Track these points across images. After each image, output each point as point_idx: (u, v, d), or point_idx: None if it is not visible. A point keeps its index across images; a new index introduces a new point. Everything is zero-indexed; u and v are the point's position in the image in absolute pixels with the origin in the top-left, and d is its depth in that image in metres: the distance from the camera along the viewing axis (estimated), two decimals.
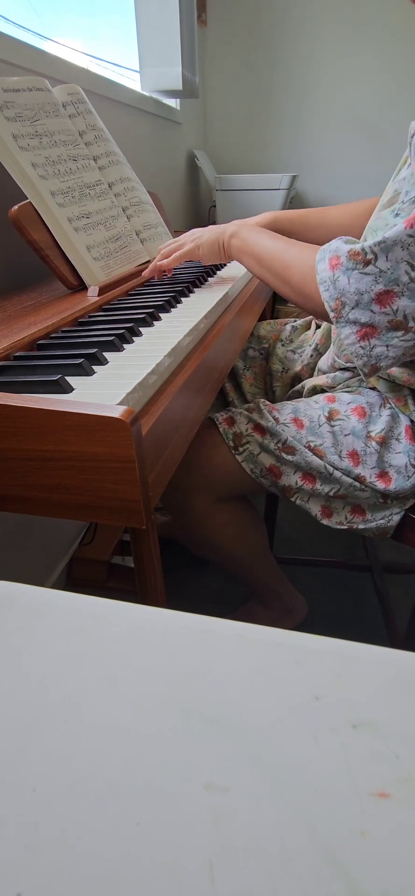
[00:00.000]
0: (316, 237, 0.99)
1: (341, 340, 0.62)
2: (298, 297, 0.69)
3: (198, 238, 0.80)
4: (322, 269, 0.62)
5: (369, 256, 0.57)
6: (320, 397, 0.80)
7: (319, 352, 0.94)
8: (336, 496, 0.76)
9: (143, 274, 0.86)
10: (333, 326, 0.88)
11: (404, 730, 0.19)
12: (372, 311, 0.58)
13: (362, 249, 0.57)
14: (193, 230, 0.84)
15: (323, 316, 0.64)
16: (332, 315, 0.61)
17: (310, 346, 0.98)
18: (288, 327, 1.04)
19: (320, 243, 1.00)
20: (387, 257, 0.56)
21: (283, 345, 1.01)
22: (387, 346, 0.60)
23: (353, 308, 0.59)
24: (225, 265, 1.04)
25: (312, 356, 0.95)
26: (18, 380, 0.46)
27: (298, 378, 0.97)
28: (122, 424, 0.37)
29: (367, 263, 0.57)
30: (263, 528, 0.95)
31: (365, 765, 0.18)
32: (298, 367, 0.98)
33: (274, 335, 1.04)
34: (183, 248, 0.81)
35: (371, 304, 0.58)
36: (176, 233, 1.28)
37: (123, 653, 0.22)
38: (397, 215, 0.59)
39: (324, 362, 0.89)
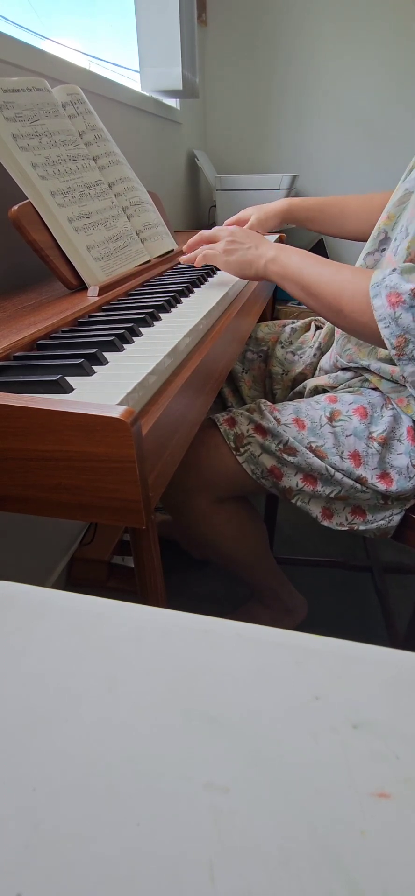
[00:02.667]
0: (332, 227, 1.02)
1: (405, 376, 0.62)
2: (353, 325, 0.67)
3: (232, 251, 0.76)
4: (380, 305, 0.61)
5: None
6: (322, 398, 0.80)
7: (322, 350, 0.94)
8: (337, 497, 0.76)
9: (180, 260, 0.85)
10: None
11: (404, 730, 0.19)
12: None
13: None
14: (234, 230, 0.80)
15: (380, 344, 0.64)
16: (393, 352, 0.61)
17: (310, 347, 0.98)
18: (287, 329, 1.04)
19: (336, 233, 1.00)
20: None
21: (282, 346, 1.01)
22: None
23: None
24: None
25: (315, 355, 0.95)
26: (18, 380, 0.46)
27: (298, 380, 0.97)
28: (122, 424, 0.37)
29: None
30: (264, 528, 0.95)
31: (365, 765, 0.18)
32: (298, 369, 0.98)
33: (273, 337, 1.03)
34: (214, 250, 0.77)
35: None
36: (176, 233, 1.28)
37: (123, 653, 0.22)
38: None
39: (326, 361, 0.89)
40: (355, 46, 1.99)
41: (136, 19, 1.51)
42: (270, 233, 1.14)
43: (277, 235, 1.24)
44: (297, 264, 0.71)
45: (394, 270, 0.61)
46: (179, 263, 0.90)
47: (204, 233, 0.83)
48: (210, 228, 0.90)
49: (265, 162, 2.22)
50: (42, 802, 0.17)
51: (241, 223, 1.07)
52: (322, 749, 0.18)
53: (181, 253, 1.06)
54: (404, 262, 0.68)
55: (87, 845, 0.16)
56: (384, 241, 0.78)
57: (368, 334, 0.65)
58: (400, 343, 0.59)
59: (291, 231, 1.34)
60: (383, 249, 0.78)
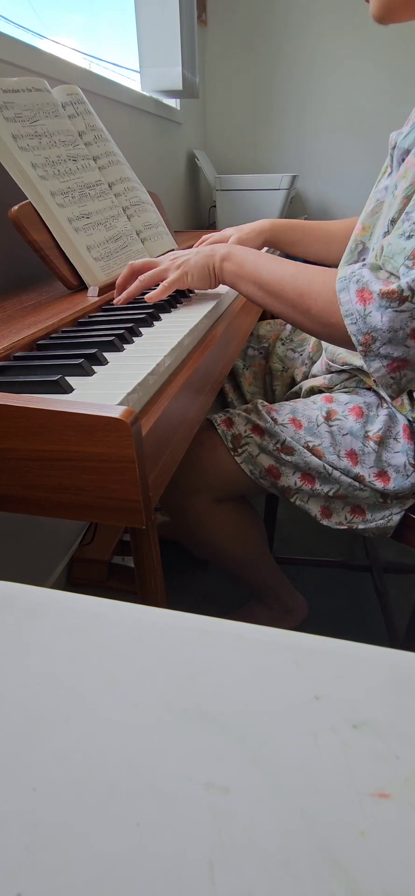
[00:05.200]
0: (317, 250, 0.97)
1: (370, 372, 0.60)
2: (319, 327, 0.63)
3: (185, 263, 0.71)
4: (347, 300, 0.58)
5: (407, 294, 0.54)
6: (318, 398, 0.80)
7: (312, 359, 0.95)
8: (336, 496, 0.76)
9: (113, 302, 0.74)
10: None
11: (404, 730, 0.19)
12: (406, 346, 0.57)
13: (399, 288, 0.55)
14: (172, 253, 0.74)
15: (347, 345, 0.61)
16: (360, 348, 0.59)
17: (309, 345, 0.98)
18: (288, 326, 1.04)
19: (321, 258, 0.96)
20: None
21: (283, 344, 1.01)
22: None
23: (384, 343, 0.57)
24: None
25: (306, 364, 0.95)
26: (18, 380, 0.46)
27: (298, 377, 0.98)
28: (122, 425, 0.37)
29: (403, 301, 0.55)
30: (263, 527, 0.95)
31: (365, 765, 0.18)
32: (299, 366, 0.98)
33: (274, 334, 1.04)
34: (168, 275, 0.70)
35: (406, 339, 0.56)
36: (176, 233, 1.28)
37: (122, 653, 0.22)
38: (409, 237, 0.56)
39: (317, 369, 0.89)
40: (356, 46, 1.99)
41: (136, 19, 1.51)
42: None
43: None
44: (253, 262, 0.67)
45: (364, 265, 0.59)
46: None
47: (135, 263, 0.74)
48: (210, 229, 0.89)
49: (265, 162, 2.22)
50: (42, 802, 0.17)
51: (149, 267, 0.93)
52: (322, 749, 0.18)
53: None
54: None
55: (87, 845, 0.16)
56: (363, 251, 0.79)
57: (338, 336, 0.61)
58: (367, 340, 0.58)
59: None
60: (364, 259, 0.79)
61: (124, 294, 0.72)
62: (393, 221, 0.63)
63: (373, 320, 0.57)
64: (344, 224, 0.95)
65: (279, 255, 0.76)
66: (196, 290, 0.76)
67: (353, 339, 0.59)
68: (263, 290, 0.66)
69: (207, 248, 0.71)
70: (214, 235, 0.94)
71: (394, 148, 0.69)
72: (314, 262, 0.94)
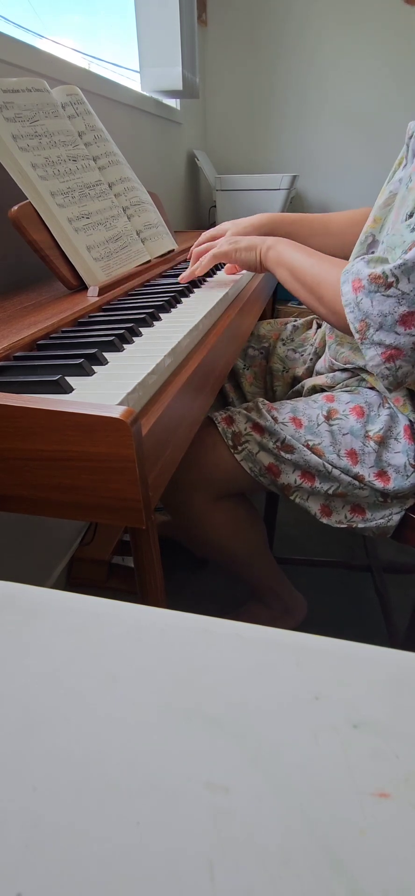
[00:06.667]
0: (318, 243, 0.97)
1: (366, 361, 0.63)
2: (330, 314, 0.69)
3: (236, 242, 0.80)
4: (346, 290, 0.62)
5: (391, 280, 0.57)
6: (319, 397, 0.80)
7: (318, 355, 0.94)
8: (335, 494, 0.76)
9: (179, 279, 0.84)
10: (327, 331, 0.88)
11: (404, 730, 0.19)
12: (397, 332, 0.59)
13: (383, 273, 0.57)
14: (228, 225, 0.85)
15: (350, 334, 0.64)
16: (357, 336, 0.62)
17: (311, 345, 0.98)
18: (289, 326, 1.04)
19: (322, 249, 0.97)
20: (409, 279, 0.56)
21: (284, 344, 1.01)
22: (413, 364, 0.61)
23: (377, 330, 0.60)
24: (223, 267, 1.03)
25: (311, 359, 0.95)
26: (18, 380, 0.46)
27: (298, 377, 0.97)
28: (122, 424, 0.37)
29: (388, 286, 0.57)
30: (262, 526, 0.95)
31: (365, 764, 0.18)
32: (299, 366, 0.98)
33: (275, 334, 1.03)
34: (221, 248, 0.81)
35: (395, 325, 0.58)
36: (176, 233, 1.28)
37: (122, 653, 0.22)
38: (413, 230, 0.58)
39: (321, 365, 0.89)
40: (356, 46, 1.99)
41: (136, 19, 1.51)
42: None
43: None
44: (289, 252, 0.75)
45: (362, 259, 0.62)
46: (186, 259, 0.91)
47: (201, 242, 0.86)
48: (210, 229, 0.89)
49: (265, 162, 2.22)
50: (42, 801, 0.17)
51: (217, 237, 0.94)
52: (322, 748, 0.18)
53: (182, 253, 1.06)
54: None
55: (87, 844, 0.16)
56: (372, 244, 0.79)
57: (342, 325, 0.65)
58: (362, 328, 0.61)
59: None
60: (373, 252, 0.79)
61: (187, 274, 0.82)
62: (411, 215, 0.63)
63: (364, 306, 0.60)
64: (343, 216, 0.95)
65: None
66: (240, 270, 0.88)
67: (351, 327, 0.62)
68: (292, 276, 0.74)
69: (258, 237, 0.80)
70: (210, 231, 0.94)
71: (411, 137, 0.68)
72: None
